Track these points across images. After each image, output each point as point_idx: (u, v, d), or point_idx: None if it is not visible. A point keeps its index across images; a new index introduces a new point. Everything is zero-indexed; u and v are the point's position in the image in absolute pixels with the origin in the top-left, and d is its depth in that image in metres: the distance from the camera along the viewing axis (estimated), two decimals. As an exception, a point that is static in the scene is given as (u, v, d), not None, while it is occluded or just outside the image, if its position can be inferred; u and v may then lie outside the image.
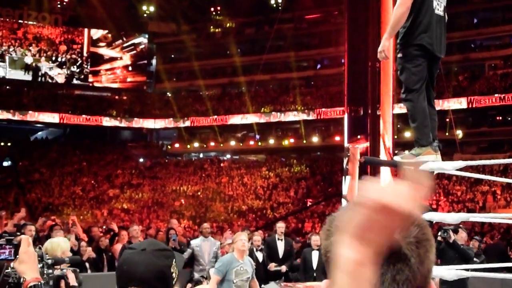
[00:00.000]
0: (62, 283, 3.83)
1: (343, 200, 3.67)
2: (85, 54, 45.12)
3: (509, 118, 35.58)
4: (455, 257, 7.79)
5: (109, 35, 45.66)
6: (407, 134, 30.49)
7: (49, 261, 3.60)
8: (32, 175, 37.40)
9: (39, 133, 45.18)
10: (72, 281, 3.91)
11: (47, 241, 5.26)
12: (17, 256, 2.18)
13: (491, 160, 5.93)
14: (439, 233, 8.54)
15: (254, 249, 10.24)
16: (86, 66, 45.19)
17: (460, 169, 4.14)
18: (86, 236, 11.36)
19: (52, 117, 41.96)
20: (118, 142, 45.04)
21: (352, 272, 0.82)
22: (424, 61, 4.12)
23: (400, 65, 4.17)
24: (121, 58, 46.31)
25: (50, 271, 3.58)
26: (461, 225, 10.43)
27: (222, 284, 6.94)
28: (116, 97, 46.54)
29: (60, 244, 4.87)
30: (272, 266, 10.52)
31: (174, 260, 1.83)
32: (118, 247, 9.57)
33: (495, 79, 35.97)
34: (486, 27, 38.07)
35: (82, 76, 45.07)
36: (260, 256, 10.38)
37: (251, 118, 40.98)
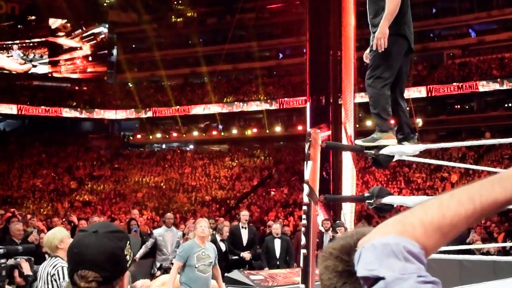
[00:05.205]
0: (16, 273, 3.72)
1: (305, 186, 3.64)
2: (43, 44, 44.20)
3: (467, 107, 36.25)
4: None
5: (68, 25, 44.77)
6: (369, 123, 30.85)
7: (1, 251, 3.48)
8: (-10, 168, 36.58)
9: (-3, 124, 44.19)
10: (27, 270, 3.80)
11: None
12: None
13: (447, 143, 6.01)
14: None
15: (218, 239, 10.19)
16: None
17: (421, 156, 4.14)
18: (46, 228, 11.12)
19: (9, 109, 41.01)
20: (78, 134, 44.32)
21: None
22: (401, 52, 4.08)
23: (375, 52, 4.06)
24: (80, 48, 45.48)
25: (3, 260, 3.47)
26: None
27: (185, 269, 6.90)
28: (76, 87, 45.76)
29: (55, 235, 4.64)
30: (246, 254, 10.48)
31: (128, 242, 1.77)
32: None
33: (453, 68, 36.57)
34: (444, 17, 38.63)
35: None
36: (223, 246, 10.34)
37: (213, 108, 40.79)
